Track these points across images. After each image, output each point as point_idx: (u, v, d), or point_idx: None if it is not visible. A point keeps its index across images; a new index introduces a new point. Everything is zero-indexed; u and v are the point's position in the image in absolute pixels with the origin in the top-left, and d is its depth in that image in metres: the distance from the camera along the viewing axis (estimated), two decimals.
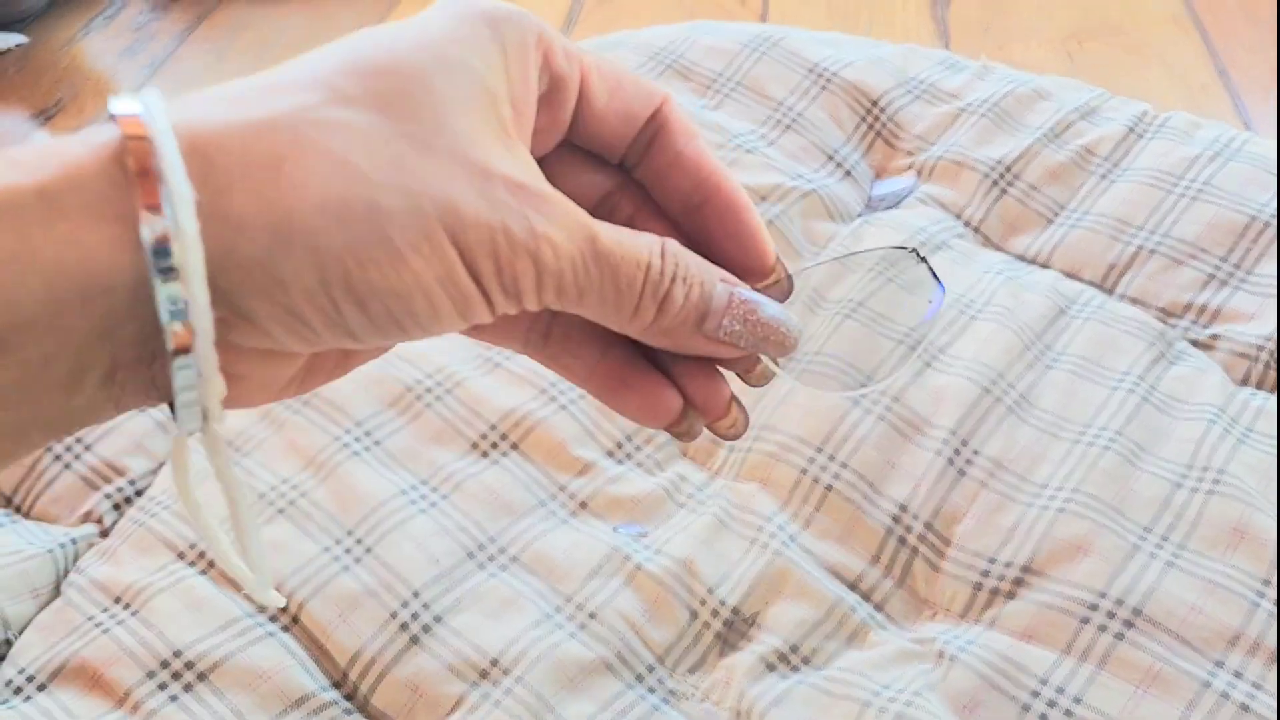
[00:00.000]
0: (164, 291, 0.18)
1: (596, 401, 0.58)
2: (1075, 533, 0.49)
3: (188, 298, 0.18)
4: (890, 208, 0.68)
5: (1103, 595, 0.47)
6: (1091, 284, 0.63)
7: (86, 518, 0.55)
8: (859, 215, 0.69)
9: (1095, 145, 0.68)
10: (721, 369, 0.26)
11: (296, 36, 1.09)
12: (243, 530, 0.23)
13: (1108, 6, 1.01)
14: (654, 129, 0.25)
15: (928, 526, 0.51)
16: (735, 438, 0.26)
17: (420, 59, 0.20)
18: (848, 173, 0.70)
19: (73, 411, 0.19)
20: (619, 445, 0.57)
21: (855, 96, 0.73)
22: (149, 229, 0.17)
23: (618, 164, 0.26)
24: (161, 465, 0.57)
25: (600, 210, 0.26)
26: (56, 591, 0.52)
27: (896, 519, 0.52)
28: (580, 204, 0.23)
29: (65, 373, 0.18)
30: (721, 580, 0.50)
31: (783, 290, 0.26)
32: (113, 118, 0.18)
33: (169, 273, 0.17)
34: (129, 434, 0.58)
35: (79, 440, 0.57)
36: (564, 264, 0.21)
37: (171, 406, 0.20)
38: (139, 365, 0.19)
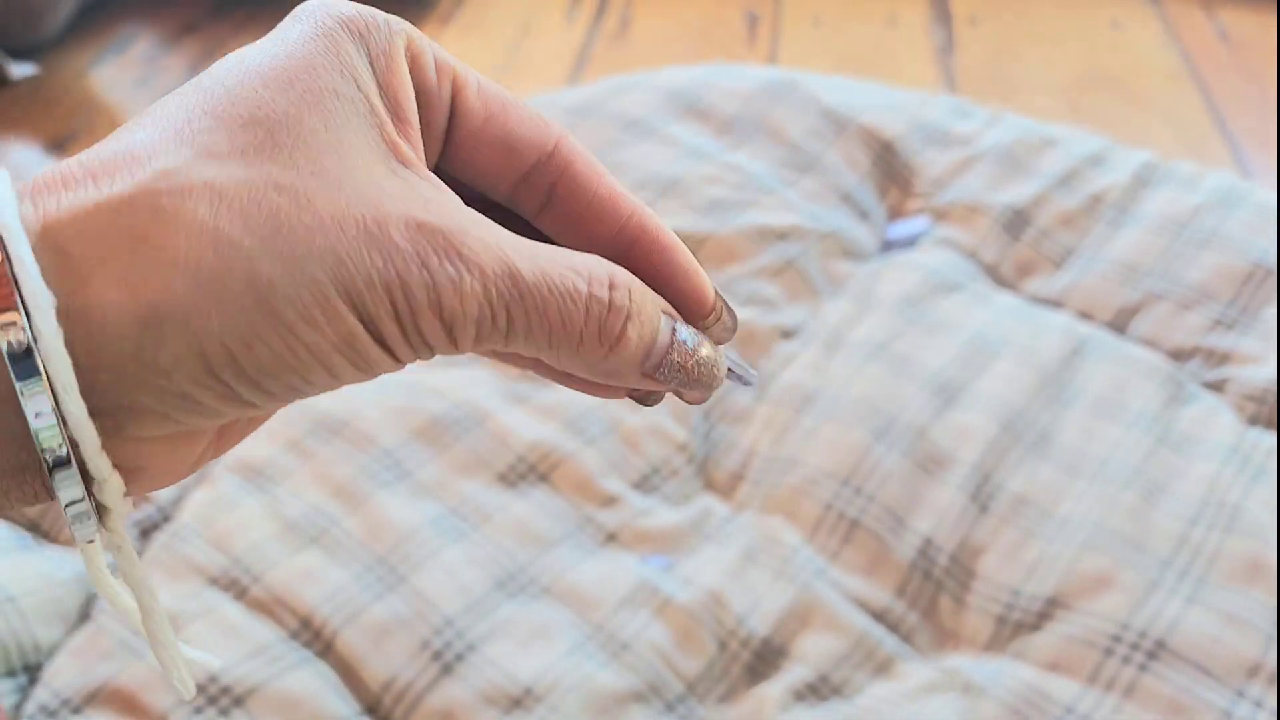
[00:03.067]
0: (31, 406, 0.16)
1: (623, 435, 0.60)
2: (1097, 567, 0.51)
3: (64, 413, 0.16)
4: (906, 249, 0.70)
5: (1126, 627, 0.49)
6: (1104, 326, 0.64)
7: None
8: (875, 256, 0.71)
9: (1104, 192, 0.70)
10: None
11: None
12: (155, 632, 0.21)
13: (1109, 59, 1.04)
14: (555, 172, 0.22)
15: (952, 560, 0.52)
16: (701, 398, 0.23)
17: (288, 97, 0.18)
18: (864, 214, 0.72)
19: None
20: (645, 478, 0.57)
21: (870, 141, 0.75)
22: (7, 340, 0.16)
23: (505, 202, 0.23)
24: (188, 491, 0.58)
25: None
26: (84, 616, 0.52)
27: (922, 552, 0.53)
28: None
29: None
30: (750, 611, 0.51)
31: (726, 327, 0.23)
32: None
33: (36, 382, 0.16)
34: None
35: None
36: (473, 310, 0.19)
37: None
38: (21, 473, 0.17)
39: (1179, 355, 0.63)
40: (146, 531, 0.56)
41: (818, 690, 0.49)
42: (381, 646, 0.49)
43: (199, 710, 0.47)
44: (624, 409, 0.60)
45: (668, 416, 0.60)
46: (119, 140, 0.18)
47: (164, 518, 0.57)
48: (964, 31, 1.11)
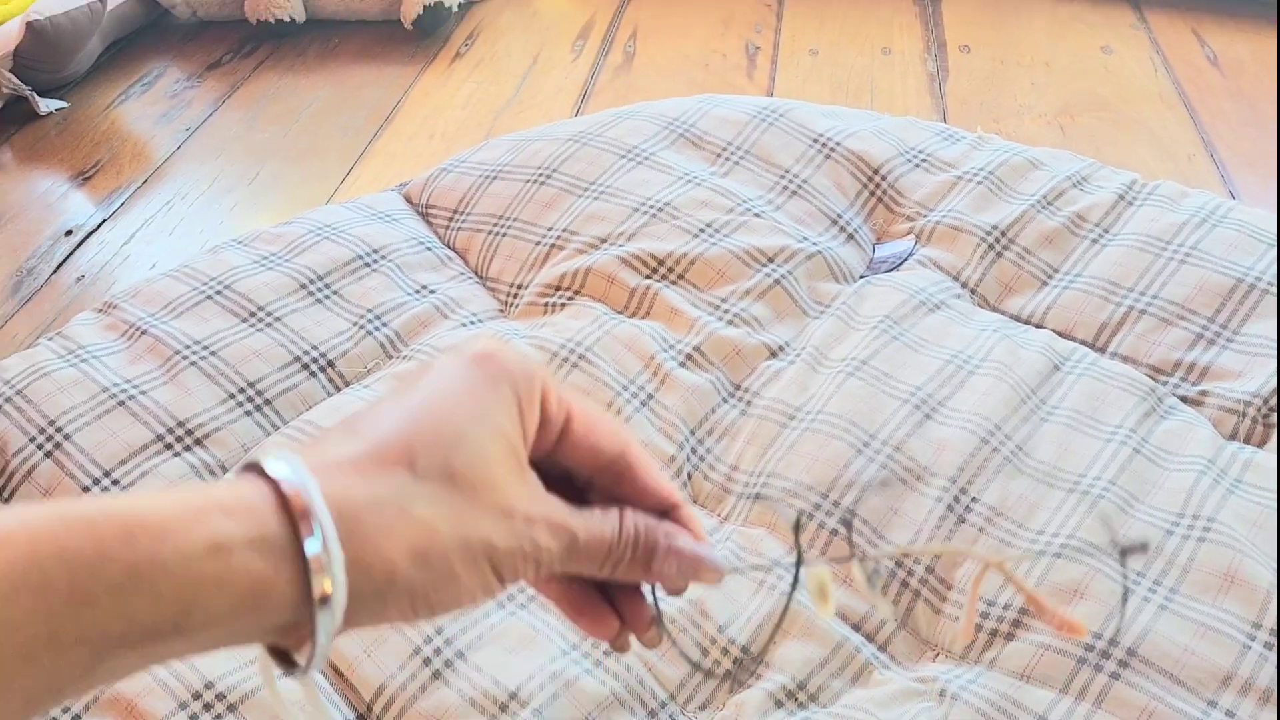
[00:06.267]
0: (320, 619, 0.27)
1: None
2: (1071, 577, 0.52)
3: (333, 625, 0.27)
4: (891, 270, 0.72)
5: (1098, 636, 0.49)
6: (1084, 343, 0.66)
7: None
8: (861, 276, 0.72)
9: (1087, 212, 0.72)
10: (633, 631, 0.36)
11: (323, 108, 1.14)
12: None
13: (1097, 84, 1.06)
14: (621, 468, 0.34)
15: (929, 570, 0.53)
16: (653, 646, 0.36)
17: (468, 431, 0.30)
18: (850, 236, 0.74)
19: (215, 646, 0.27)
20: None
21: (858, 165, 0.77)
22: (316, 584, 0.27)
23: (584, 483, 0.34)
24: None
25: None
26: None
27: (899, 562, 0.54)
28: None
29: (221, 642, 0.27)
30: (731, 620, 0.52)
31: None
32: (278, 490, 0.27)
33: (324, 605, 0.27)
34: (164, 476, 0.60)
35: (115, 482, 0.60)
36: (554, 560, 0.31)
37: (276, 657, 0.29)
38: (270, 637, 0.28)
39: (1159, 371, 0.64)
40: None
41: (795, 697, 0.50)
42: (373, 653, 0.51)
43: (194, 717, 0.48)
44: None
45: (656, 431, 0.61)
46: (352, 441, 0.28)
47: None
48: (956, 59, 1.13)
